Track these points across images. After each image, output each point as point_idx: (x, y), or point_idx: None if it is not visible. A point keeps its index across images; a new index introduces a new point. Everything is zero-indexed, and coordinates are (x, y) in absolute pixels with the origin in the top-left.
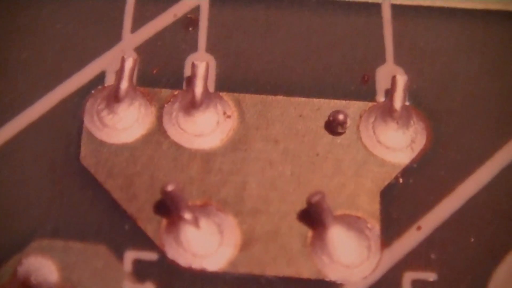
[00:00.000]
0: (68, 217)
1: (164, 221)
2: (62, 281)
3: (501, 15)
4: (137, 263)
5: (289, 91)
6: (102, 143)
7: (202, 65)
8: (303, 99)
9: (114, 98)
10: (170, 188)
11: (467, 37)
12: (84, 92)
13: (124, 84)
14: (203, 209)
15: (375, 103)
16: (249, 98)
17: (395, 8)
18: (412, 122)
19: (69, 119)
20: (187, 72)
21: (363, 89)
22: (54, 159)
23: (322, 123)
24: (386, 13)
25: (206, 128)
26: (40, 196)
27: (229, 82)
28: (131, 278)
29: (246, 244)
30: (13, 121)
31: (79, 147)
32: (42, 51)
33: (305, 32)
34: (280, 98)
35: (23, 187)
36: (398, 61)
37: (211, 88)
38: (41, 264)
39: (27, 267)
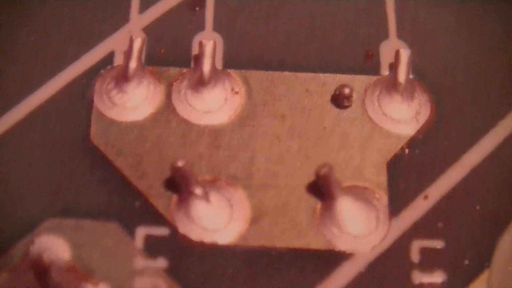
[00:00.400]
0: (79, 196)
1: (174, 197)
2: (73, 259)
3: None
4: (149, 239)
5: (295, 68)
6: (111, 122)
7: (209, 44)
8: (309, 74)
9: (123, 77)
10: (179, 164)
11: (467, 11)
12: (93, 73)
13: (133, 64)
14: (212, 184)
15: (379, 77)
16: (256, 75)
17: None
18: (416, 94)
19: (78, 99)
20: (195, 51)
21: (367, 64)
22: (63, 140)
23: (328, 97)
24: None
25: (214, 105)
26: (50, 176)
27: (236, 60)
28: (143, 254)
29: (256, 218)
30: (22, 103)
31: (88, 127)
32: (49, 34)
33: (309, 10)
34: (286, 74)
35: (33, 168)
36: (401, 36)
37: (219, 66)
38: (53, 243)
39: (39, 246)
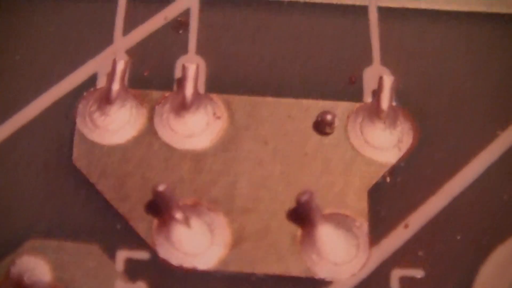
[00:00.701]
0: (61, 217)
1: (155, 221)
2: (55, 280)
3: (484, 17)
4: (129, 262)
5: (278, 92)
6: (94, 144)
7: (192, 67)
8: (291, 100)
9: (106, 100)
10: (161, 188)
11: (451, 38)
12: (76, 94)
13: (116, 86)
14: (194, 208)
15: (362, 104)
16: (238, 99)
17: (381, 10)
18: (399, 122)
19: (61, 120)
20: (178, 74)
21: (350, 90)
22: (47, 161)
23: (310, 123)
24: (373, 16)
25: (196, 129)
26: (33, 197)
27: (219, 84)
28: (123, 277)
29: (236, 243)
30: (6, 123)
31: (71, 148)
32: (34, 53)
33: (293, 34)
34: (269, 99)
35: (16, 188)
36: (385, 62)
37: (202, 90)
38: (34, 264)
39: (20, 267)
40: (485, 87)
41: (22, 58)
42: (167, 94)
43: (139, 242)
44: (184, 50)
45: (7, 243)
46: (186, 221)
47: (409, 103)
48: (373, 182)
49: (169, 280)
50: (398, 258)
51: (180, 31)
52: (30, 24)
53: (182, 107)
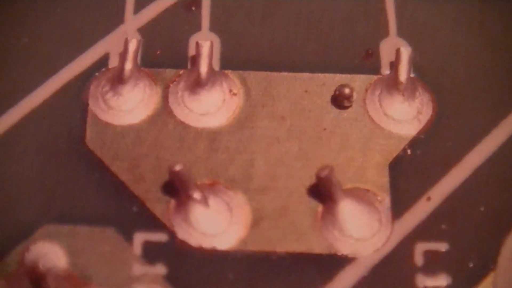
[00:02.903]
0: (74, 202)
1: (172, 202)
2: (70, 266)
3: None
4: (147, 244)
5: (294, 68)
6: (107, 125)
7: (206, 44)
8: (308, 74)
9: (118, 79)
10: (177, 168)
11: (468, 9)
12: (87, 75)
13: (128, 66)
14: (211, 188)
15: (380, 76)
16: (254, 75)
17: None
18: (417, 93)
19: (73, 102)
20: (191, 51)
21: (367, 63)
22: (58, 144)
23: (328, 98)
24: None
25: (212, 107)
26: (45, 182)
27: (234, 60)
28: (141, 260)
29: (255, 222)
30: (16, 107)
31: (83, 130)
32: (43, 36)
33: (308, 8)
34: (285, 74)
35: (27, 173)
36: (401, 34)
37: (216, 67)
38: (49, 250)
39: (35, 254)
40: (502, 58)
41: (31, 41)
42: (181, 72)
43: (157, 224)
44: (197, 27)
45: (21, 230)
46: (204, 201)
47: (426, 75)
48: (394, 155)
49: (188, 261)
50: (422, 231)
51: (193, 8)
52: (38, 6)
53: (197, 85)
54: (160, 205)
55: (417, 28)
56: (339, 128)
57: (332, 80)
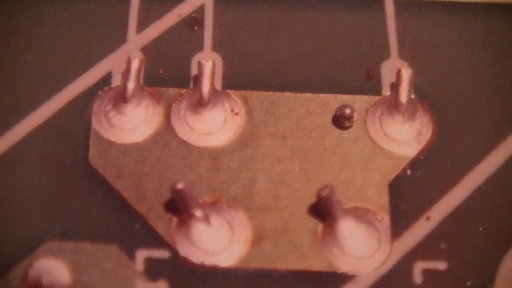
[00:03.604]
0: (78, 219)
1: (174, 219)
2: (73, 282)
3: (502, 8)
4: (149, 261)
5: (296, 88)
6: (110, 144)
7: (208, 64)
8: (309, 95)
9: (121, 98)
10: (179, 186)
11: (469, 30)
12: (90, 94)
13: (131, 84)
14: (213, 206)
15: (381, 97)
16: (256, 95)
17: (397, 3)
18: (418, 114)
19: (76, 120)
20: (194, 71)
21: (368, 84)
22: (62, 161)
23: (329, 118)
24: (389, 9)
25: (214, 126)
26: (49, 198)
27: (236, 80)
28: (143, 277)
29: (257, 240)
30: (20, 124)
31: (87, 148)
32: (47, 53)
33: (310, 29)
34: (287, 94)
35: (31, 190)
36: (403, 55)
37: (218, 86)
38: (52, 266)
39: (38, 270)
40: (502, 79)
41: (34, 59)
42: (183, 91)
43: (159, 241)
44: (199, 46)
45: (24, 246)
46: (206, 219)
47: (427, 96)
48: (394, 175)
49: (190, 278)
50: (421, 250)
51: (195, 28)
52: (42, 24)
53: (199, 104)
54: (162, 223)
55: (418, 50)
56: (340, 148)
57: (334, 101)
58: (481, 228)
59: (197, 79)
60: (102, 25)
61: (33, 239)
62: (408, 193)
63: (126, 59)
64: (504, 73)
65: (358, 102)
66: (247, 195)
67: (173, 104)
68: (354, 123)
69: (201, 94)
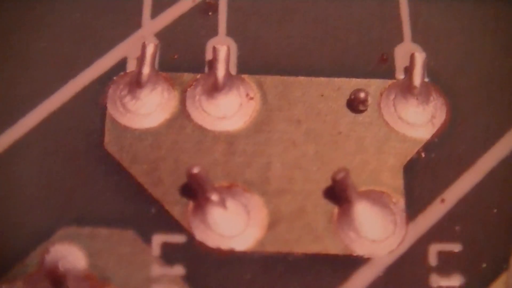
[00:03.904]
0: (94, 204)
1: (190, 204)
2: (89, 267)
3: None
4: (165, 246)
5: (310, 72)
6: (125, 129)
7: (223, 49)
8: (324, 79)
9: (136, 83)
10: (195, 170)
11: (481, 13)
12: (105, 79)
13: (146, 70)
14: (229, 190)
15: (394, 81)
16: (270, 80)
17: None
18: (431, 98)
19: (91, 106)
20: (208, 56)
21: (382, 68)
22: (77, 147)
23: (343, 102)
24: None
25: (229, 111)
26: (65, 184)
27: (250, 65)
28: (160, 261)
29: (272, 224)
30: (35, 110)
31: (102, 134)
32: (61, 40)
33: (323, 13)
34: (301, 78)
35: (47, 176)
36: (416, 39)
37: (233, 71)
38: (68, 252)
39: (54, 255)
40: None
41: (49, 45)
42: (198, 76)
43: (175, 226)
44: (213, 32)
45: (40, 232)
46: (222, 203)
47: (440, 80)
48: (408, 158)
49: (206, 262)
50: (435, 233)
51: (210, 13)
52: (56, 10)
53: (214, 89)
54: (178, 207)
55: (431, 34)
56: (355, 131)
57: (348, 85)
58: (495, 210)
59: (212, 64)
60: (117, 11)
61: (49, 225)
62: (422, 176)
63: (141, 44)
64: None
65: (372, 86)
66: (262, 179)
67: (188, 89)
68: (368, 106)
69: (216, 79)
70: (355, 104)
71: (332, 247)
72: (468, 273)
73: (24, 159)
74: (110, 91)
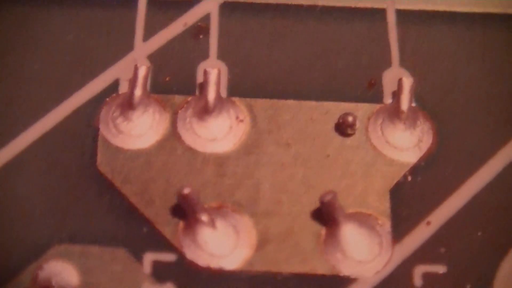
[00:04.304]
0: (86, 223)
1: (181, 224)
2: (82, 285)
3: (500, 18)
4: (156, 264)
5: (299, 96)
6: (118, 150)
7: (214, 72)
8: (313, 102)
9: (128, 105)
10: (186, 191)
11: (469, 40)
12: (98, 101)
13: (138, 92)
14: (218, 211)
15: (382, 105)
16: (260, 103)
17: (399, 13)
18: (418, 122)
19: (83, 127)
20: (200, 78)
21: (370, 92)
22: (69, 167)
23: (331, 125)
24: (391, 18)
25: (219, 133)
26: (57, 203)
27: (240, 88)
28: (151, 279)
29: (261, 244)
30: (28, 131)
31: (94, 154)
32: (54, 61)
33: (313, 38)
34: (290, 102)
35: (40, 194)
36: (404, 64)
37: (224, 94)
38: (62, 269)
39: (48, 272)
40: (500, 88)
41: (42, 66)
42: (189, 98)
43: (166, 245)
44: (205, 55)
45: (33, 249)
46: (212, 223)
47: (427, 104)
48: (395, 181)
49: (196, 280)
50: (421, 254)
51: (201, 36)
52: (49, 32)
53: (205, 111)
54: (169, 227)
55: (419, 59)
56: (342, 155)
57: (336, 108)
58: (480, 233)
59: (203, 86)
60: (109, 33)
61: (42, 243)
62: (409, 199)
63: (133, 66)
64: (502, 82)
65: (360, 110)
66: (251, 201)
67: (179, 111)
68: (356, 130)
69: (206, 102)
70: (343, 128)
71: (319, 267)
72: None
73: (17, 178)
74: (103, 112)
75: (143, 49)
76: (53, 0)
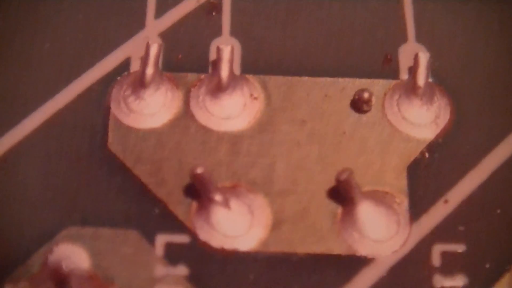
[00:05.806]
0: (97, 204)
1: (194, 204)
2: (93, 267)
3: None
4: (169, 246)
5: (314, 72)
6: (129, 129)
7: (227, 49)
8: (328, 79)
9: (140, 83)
10: (199, 170)
11: (486, 14)
12: (109, 79)
13: (150, 70)
14: (233, 190)
15: (398, 81)
16: (274, 80)
17: None
18: (435, 98)
19: (94, 106)
20: (212, 56)
21: (386, 68)
22: (80, 148)
23: (347, 102)
24: None
25: (233, 111)
26: (68, 185)
27: (254, 65)
28: (163, 261)
29: (276, 224)
30: (38, 111)
31: (105, 134)
32: (65, 40)
33: (328, 13)
34: (305, 79)
35: (50, 176)
36: (420, 39)
37: (237, 71)
38: (72, 252)
39: (58, 255)
40: None
41: (52, 46)
42: (202, 76)
43: (179, 226)
44: (217, 32)
45: (44, 232)
46: (226, 203)
47: (444, 80)
48: (412, 158)
49: (210, 262)
50: (439, 233)
51: (214, 13)
52: (60, 11)
53: (218, 89)
54: (182, 208)
55: (435, 34)
56: (358, 132)
57: (352, 85)
58: (499, 211)
59: (216, 64)
60: (120, 11)
61: (52, 226)
62: (426, 176)
63: (145, 44)
64: None
65: (376, 86)
66: (266, 180)
67: (192, 89)
68: (372, 107)
69: (220, 79)
70: (359, 105)
71: (335, 248)
72: (471, 273)
73: (28, 160)
74: (114, 91)
75: (155, 26)
76: None
